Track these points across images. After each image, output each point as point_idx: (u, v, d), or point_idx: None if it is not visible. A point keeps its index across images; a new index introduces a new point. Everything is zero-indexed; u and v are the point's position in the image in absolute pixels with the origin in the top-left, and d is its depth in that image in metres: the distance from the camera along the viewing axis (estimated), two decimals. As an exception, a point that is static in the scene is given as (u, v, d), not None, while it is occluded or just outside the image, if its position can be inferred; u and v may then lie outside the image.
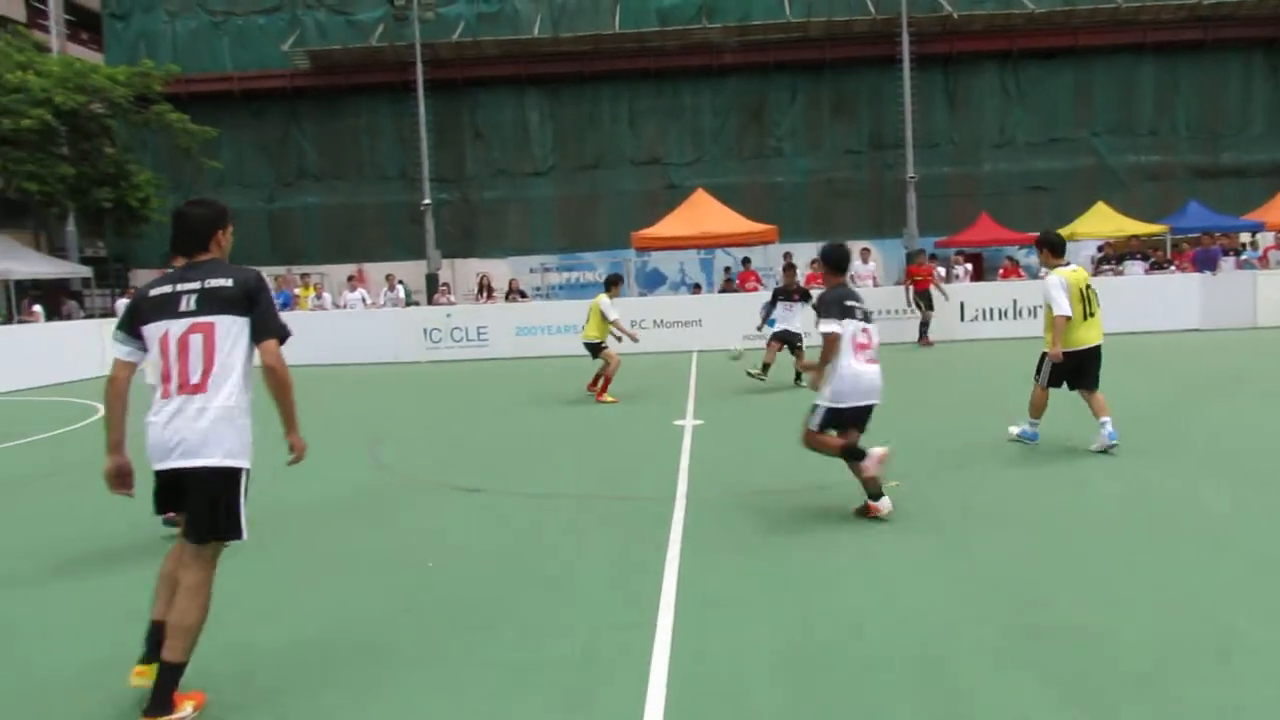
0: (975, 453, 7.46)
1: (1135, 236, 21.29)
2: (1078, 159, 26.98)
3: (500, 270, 25.72)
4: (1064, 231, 23.15)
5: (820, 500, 6.16)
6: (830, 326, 5.47)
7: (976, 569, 4.66)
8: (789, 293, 12.14)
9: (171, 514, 3.52)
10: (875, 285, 19.78)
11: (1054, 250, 7.42)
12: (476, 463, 7.94)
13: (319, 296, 20.16)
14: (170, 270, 3.55)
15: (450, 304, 20.47)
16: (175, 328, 3.36)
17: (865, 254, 20.00)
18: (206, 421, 3.30)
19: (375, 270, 26.96)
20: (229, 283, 3.41)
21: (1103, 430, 7.15)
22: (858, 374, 5.53)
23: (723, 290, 21.19)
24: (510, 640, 4.03)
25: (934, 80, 26.85)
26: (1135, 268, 18.77)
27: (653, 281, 26.94)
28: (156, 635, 3.39)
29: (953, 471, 6.87)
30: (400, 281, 21.58)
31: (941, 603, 4.23)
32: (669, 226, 20.72)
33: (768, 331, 12.18)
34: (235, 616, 4.30)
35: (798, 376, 11.83)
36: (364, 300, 19.78)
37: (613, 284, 11.86)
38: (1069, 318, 7.19)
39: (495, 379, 14.91)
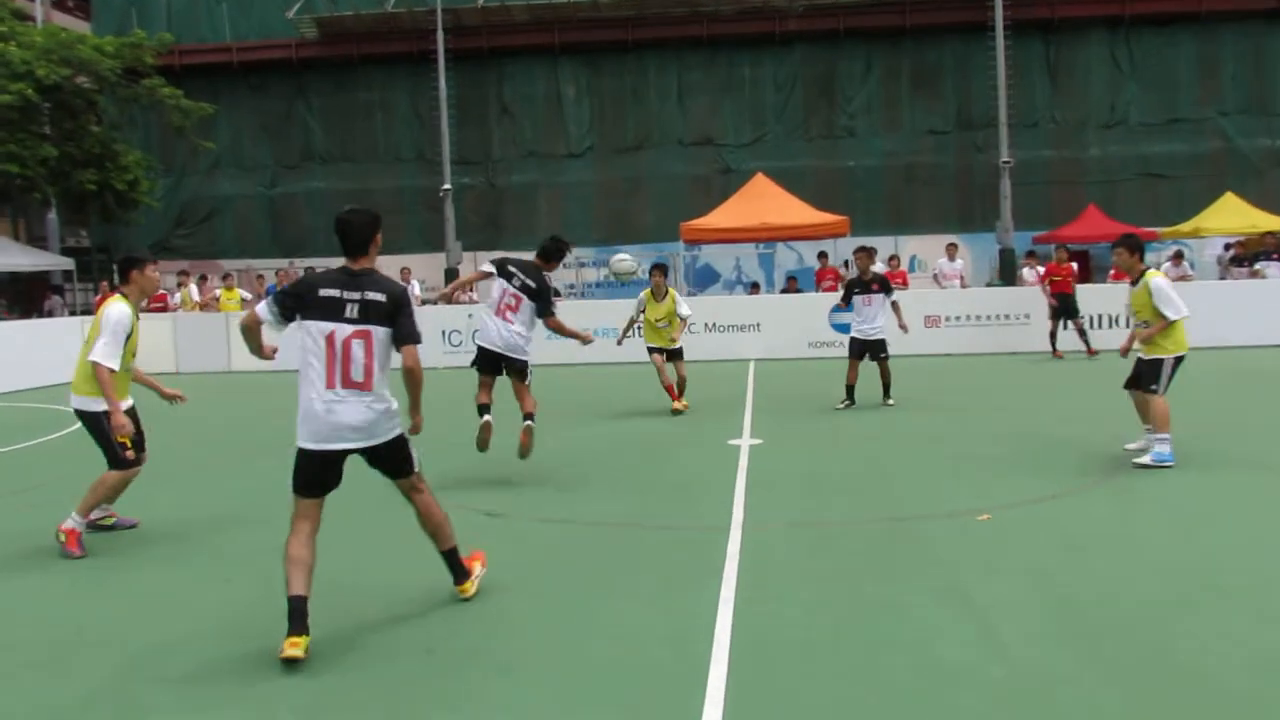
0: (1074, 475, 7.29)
1: (1270, 233, 20.78)
2: (1201, 142, 26.46)
3: (529, 265, 25.78)
4: (1187, 227, 22.96)
5: (897, 534, 6.06)
6: None
7: (1081, 610, 4.54)
8: (865, 284, 11.55)
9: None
10: (963, 285, 19.56)
11: (1140, 253, 7.93)
12: (500, 483, 7.93)
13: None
14: (331, 271, 4.73)
15: (472, 302, 20.60)
16: (341, 331, 4.53)
17: (952, 250, 19.80)
18: (372, 413, 4.58)
19: (388, 264, 27.19)
20: (383, 298, 4.60)
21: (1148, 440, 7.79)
22: None
23: (784, 291, 21.08)
24: (537, 689, 4.00)
25: (1032, 50, 26.51)
26: (1273, 269, 18.32)
27: (704, 279, 26.91)
28: (301, 608, 4.31)
29: (1046, 504, 6.73)
30: (420, 279, 21.78)
31: (1056, 650, 4.12)
32: (723, 217, 20.67)
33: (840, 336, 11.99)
34: (203, 630, 4.33)
35: (887, 393, 11.45)
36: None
37: (652, 271, 11.85)
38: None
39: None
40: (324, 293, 4.57)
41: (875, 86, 27.43)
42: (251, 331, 4.83)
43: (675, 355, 11.73)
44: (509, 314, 7.88)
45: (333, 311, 4.54)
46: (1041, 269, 17.86)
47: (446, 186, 25.37)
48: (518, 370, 7.97)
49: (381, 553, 6.04)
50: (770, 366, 15.98)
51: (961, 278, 19.71)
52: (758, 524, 6.33)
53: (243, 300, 20.24)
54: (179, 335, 19.07)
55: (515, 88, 28.47)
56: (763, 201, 20.59)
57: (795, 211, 20.55)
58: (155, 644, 4.57)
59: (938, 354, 16.70)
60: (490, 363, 8.01)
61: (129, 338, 6.30)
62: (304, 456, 4.55)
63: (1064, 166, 26.75)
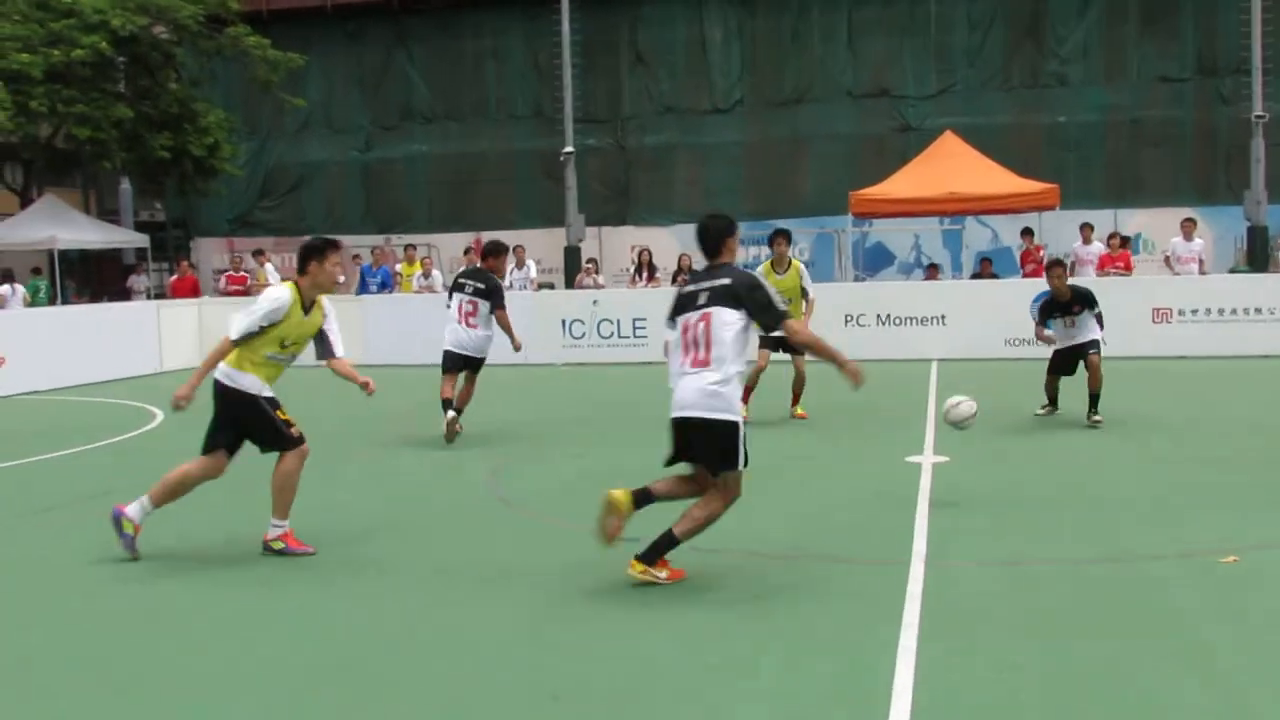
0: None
1: None
2: None
3: (666, 243, 26.04)
4: None
5: (1116, 577, 5.93)
6: None
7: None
8: (1065, 305, 11.00)
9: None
10: (1202, 271, 18.83)
11: None
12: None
13: (426, 275, 21.05)
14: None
15: (598, 287, 20.93)
16: (692, 318, 5.97)
17: (1188, 227, 19.06)
18: (710, 387, 5.86)
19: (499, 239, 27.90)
20: (729, 281, 5.98)
21: None
22: None
23: (976, 275, 20.69)
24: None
25: (1299, -26, 25.31)
26: None
27: (876, 261, 26.64)
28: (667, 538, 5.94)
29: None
30: (536, 260, 22.19)
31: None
32: (902, 184, 20.45)
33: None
34: None
35: (1094, 405, 10.92)
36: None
37: (775, 239, 12.07)
38: None
39: (658, 389, 15.05)
40: (685, 290, 6.18)
41: (1094, 24, 26.61)
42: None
43: (795, 349, 11.16)
44: (470, 319, 10.86)
45: (688, 305, 6.05)
46: None
47: (569, 149, 25.77)
48: (475, 367, 11.05)
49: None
50: (957, 368, 15.71)
51: (1200, 261, 18.96)
52: (943, 559, 6.29)
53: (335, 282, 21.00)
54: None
55: (651, 32, 28.74)
56: (951, 166, 20.27)
57: (991, 178, 20.15)
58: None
59: (1168, 356, 16.14)
60: (455, 363, 10.96)
61: (275, 327, 6.75)
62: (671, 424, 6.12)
63: (1338, 121, 25.41)
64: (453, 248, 26.87)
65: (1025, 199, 19.99)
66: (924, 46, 27.39)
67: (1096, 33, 26.65)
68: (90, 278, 31.10)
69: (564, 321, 18.72)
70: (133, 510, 6.79)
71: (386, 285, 21.03)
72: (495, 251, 11.35)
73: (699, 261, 6.53)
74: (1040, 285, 17.08)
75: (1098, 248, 19.02)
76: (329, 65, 30.06)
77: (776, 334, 6.86)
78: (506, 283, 20.87)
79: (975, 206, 20.85)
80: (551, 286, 23.68)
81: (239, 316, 6.79)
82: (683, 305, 6.06)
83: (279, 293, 6.82)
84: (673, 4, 28.46)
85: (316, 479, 9.49)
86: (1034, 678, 4.57)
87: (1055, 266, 11.21)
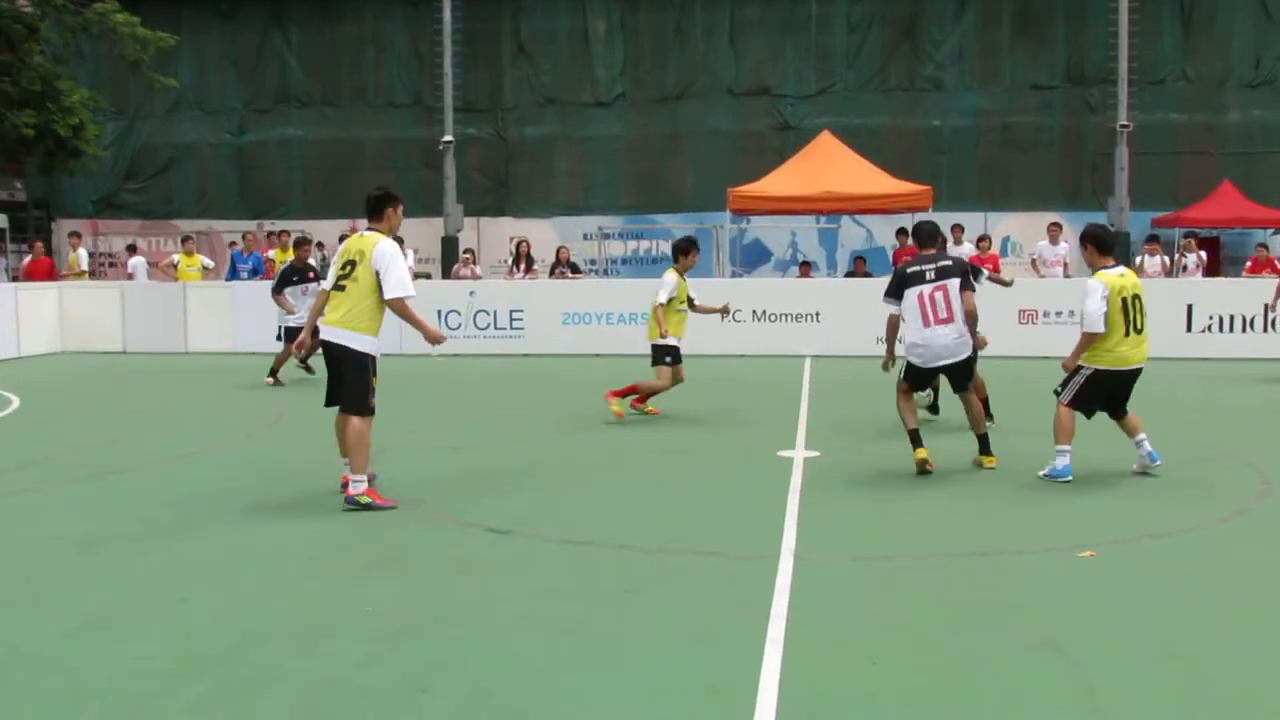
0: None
1: None
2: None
3: (544, 235, 25.96)
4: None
5: (980, 572, 6.08)
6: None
7: (1203, 674, 4.54)
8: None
9: None
10: (1067, 274, 19.44)
11: (1100, 247, 8.44)
12: (505, 495, 8.02)
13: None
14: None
15: (474, 278, 20.72)
16: (926, 289, 8.50)
17: (1054, 231, 19.67)
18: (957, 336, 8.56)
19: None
20: (950, 263, 8.70)
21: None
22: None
23: (850, 274, 21.06)
24: (549, 740, 4.04)
25: (1162, -12, 26.33)
26: None
27: (753, 258, 26.93)
28: (916, 435, 8.71)
29: (1168, 540, 6.71)
30: (414, 249, 21.88)
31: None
32: (779, 182, 20.67)
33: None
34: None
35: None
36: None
37: (682, 252, 11.42)
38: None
39: (533, 381, 15.04)
40: (911, 269, 8.68)
41: (969, 30, 27.31)
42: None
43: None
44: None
45: (919, 279, 8.59)
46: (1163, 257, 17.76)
47: (448, 138, 25.49)
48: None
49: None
50: (830, 365, 15.98)
51: (1065, 265, 19.58)
52: (812, 554, 6.35)
53: (204, 268, 20.45)
54: (128, 309, 19.31)
55: (534, 22, 28.57)
56: (828, 165, 20.56)
57: (867, 179, 20.50)
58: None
59: (1034, 356, 16.61)
60: None
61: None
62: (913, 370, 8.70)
63: (1196, 134, 26.50)
64: (328, 234, 26.30)
65: (899, 200, 20.39)
66: (805, 46, 27.75)
67: (971, 38, 27.33)
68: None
69: (440, 312, 18.48)
70: (357, 487, 7.50)
71: (258, 272, 20.50)
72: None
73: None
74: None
75: (968, 249, 19.48)
76: (201, 45, 29.18)
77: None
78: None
79: (851, 206, 21.19)
80: (429, 276, 23.38)
81: (398, 283, 7.45)
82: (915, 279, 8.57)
83: (388, 241, 7.56)
84: (557, -6, 28.35)
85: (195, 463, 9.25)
86: (899, 670, 4.65)
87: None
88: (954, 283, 8.46)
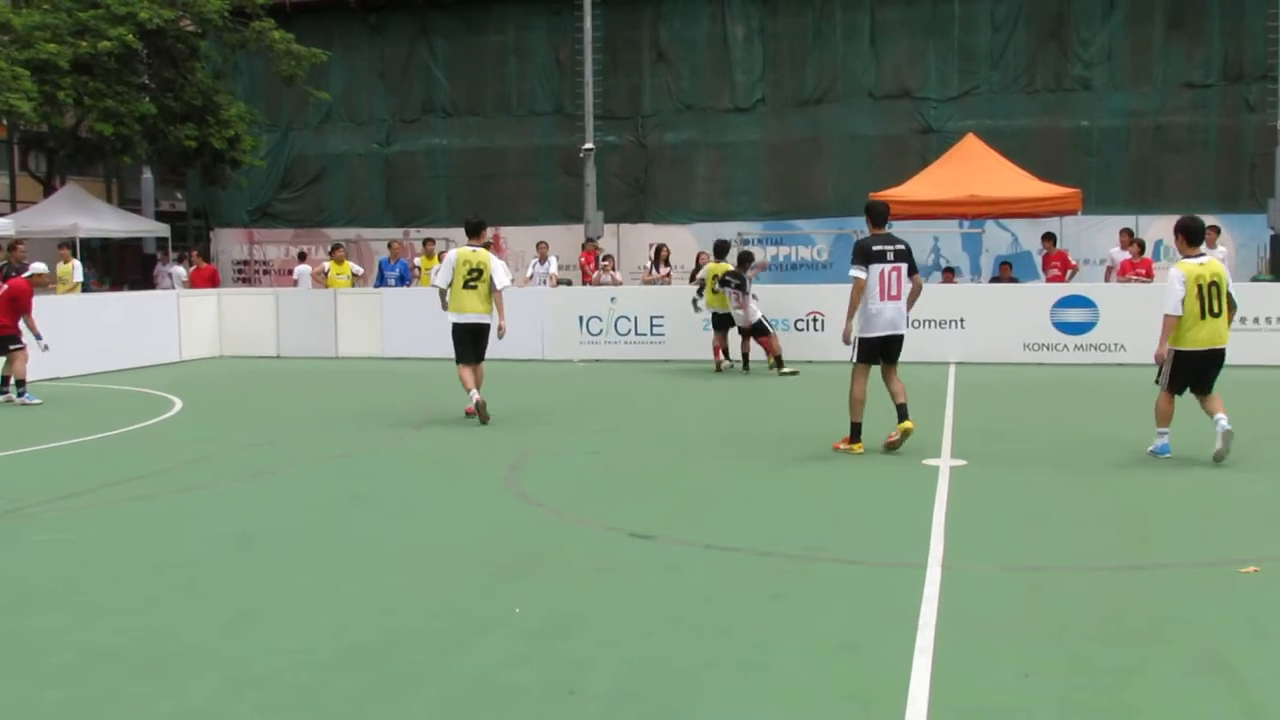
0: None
1: None
2: None
3: (683, 240, 26.02)
4: None
5: (1136, 586, 5.93)
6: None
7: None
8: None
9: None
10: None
11: (1190, 238, 9.43)
12: (647, 499, 8.09)
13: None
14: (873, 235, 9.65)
15: (615, 283, 20.92)
16: (885, 268, 9.55)
17: (1212, 234, 18.90)
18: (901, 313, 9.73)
19: (517, 236, 27.99)
20: (903, 247, 9.75)
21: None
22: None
23: (995, 279, 20.63)
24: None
25: (1329, -20, 25.13)
26: None
27: (895, 263, 26.51)
28: (858, 430, 9.77)
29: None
30: (554, 255, 22.18)
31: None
32: (922, 186, 20.35)
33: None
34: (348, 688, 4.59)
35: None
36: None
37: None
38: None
39: (673, 387, 15.10)
40: (876, 248, 9.63)
41: (1119, 27, 26.45)
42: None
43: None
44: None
45: (882, 256, 9.59)
46: None
47: (588, 145, 25.77)
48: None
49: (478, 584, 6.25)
50: (975, 372, 15.68)
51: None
52: (960, 563, 6.28)
53: (354, 275, 21.09)
54: (282, 315, 20.03)
55: (673, 29, 28.67)
56: (972, 169, 20.14)
57: (1013, 182, 20.03)
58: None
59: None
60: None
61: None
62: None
63: (1366, 130, 25.21)
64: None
65: (1047, 203, 19.86)
66: (947, 47, 27.24)
67: (1121, 36, 26.47)
68: (111, 266, 31.24)
69: (581, 318, 18.72)
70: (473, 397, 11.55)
71: (404, 279, 21.06)
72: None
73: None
74: (1063, 290, 17.16)
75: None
76: (351, 58, 30.07)
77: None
78: (530, 275, 21.16)
79: (996, 210, 20.72)
80: (569, 283, 23.68)
81: (511, 279, 12.07)
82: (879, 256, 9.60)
83: (496, 256, 11.87)
84: (695, 1, 28.39)
85: (339, 471, 9.58)
86: (1051, 684, 4.57)
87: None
88: (904, 267, 9.62)
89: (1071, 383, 14.52)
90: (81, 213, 25.67)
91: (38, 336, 13.77)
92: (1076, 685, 4.57)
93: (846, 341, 9.89)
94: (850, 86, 27.60)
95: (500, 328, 11.86)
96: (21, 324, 13.71)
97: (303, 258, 23.32)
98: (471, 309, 11.65)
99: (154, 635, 5.32)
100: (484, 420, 11.56)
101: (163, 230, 28.62)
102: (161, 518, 7.84)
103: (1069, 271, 19.41)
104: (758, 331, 16.08)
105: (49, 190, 28.54)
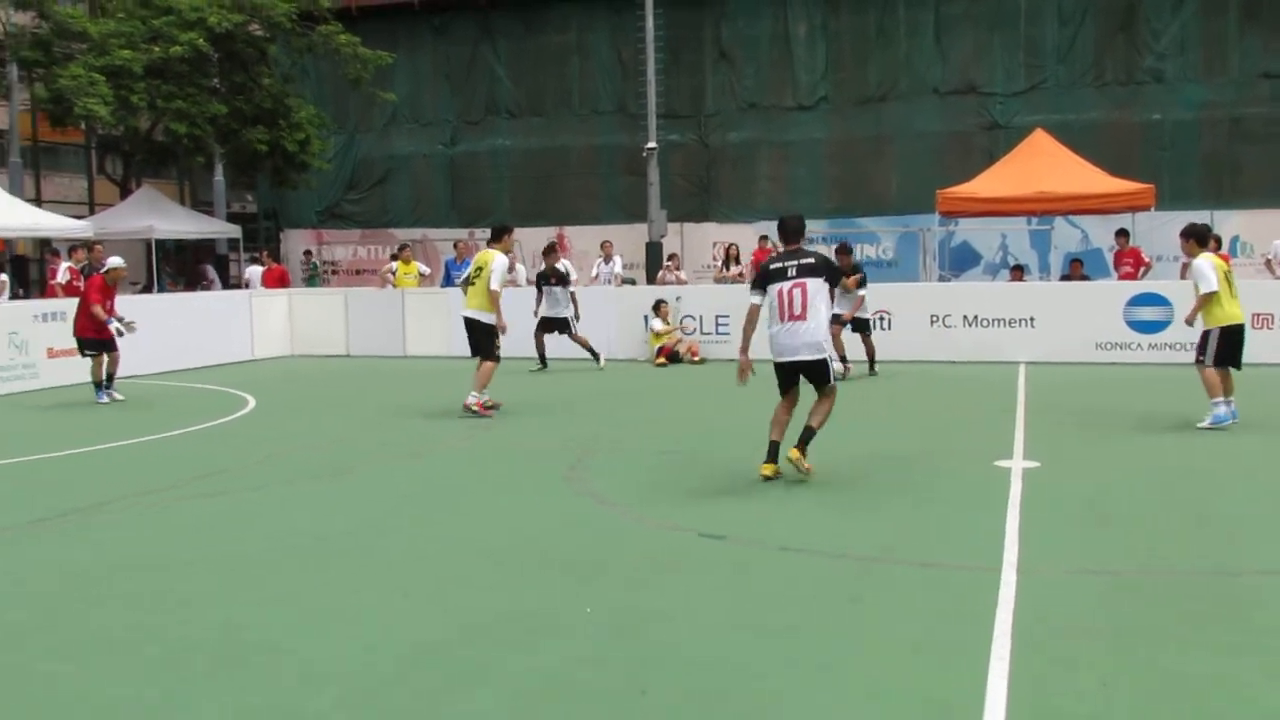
0: None
1: None
2: None
3: (748, 239, 25.86)
4: None
5: (1217, 592, 5.81)
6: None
7: None
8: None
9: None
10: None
11: (1200, 241, 10.80)
12: (717, 500, 8.06)
13: (510, 269, 21.14)
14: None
15: (679, 282, 20.90)
16: (785, 285, 8.39)
17: (1214, 243, 18.44)
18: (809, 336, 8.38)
19: (580, 235, 28.07)
20: (812, 260, 8.56)
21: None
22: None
23: (1065, 277, 20.33)
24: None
25: None
26: None
27: (962, 261, 26.27)
28: (774, 452, 8.46)
29: None
30: (619, 255, 22.19)
31: None
32: (990, 183, 20.12)
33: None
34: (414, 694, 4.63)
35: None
36: (568, 275, 20.50)
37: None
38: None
39: (739, 387, 15.03)
40: (774, 266, 8.63)
41: (1191, 17, 25.92)
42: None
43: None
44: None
45: (780, 275, 8.49)
46: None
47: (651, 145, 25.75)
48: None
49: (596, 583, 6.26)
50: (1046, 372, 15.45)
51: (1299, 267, 18.41)
52: (1036, 566, 6.18)
53: (420, 275, 21.26)
54: (351, 315, 20.26)
55: (735, 28, 28.61)
56: (1041, 164, 19.87)
57: (1083, 178, 19.73)
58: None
59: (1269, 363, 15.70)
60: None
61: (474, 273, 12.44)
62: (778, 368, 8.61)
63: None
64: (536, 241, 27.00)
65: (1118, 199, 19.54)
66: (1013, 42, 26.91)
67: (1194, 26, 25.95)
68: (185, 267, 31.82)
69: (646, 318, 18.72)
70: (471, 400, 12.04)
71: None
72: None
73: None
74: (1136, 288, 16.85)
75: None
76: (416, 60, 30.37)
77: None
78: (595, 274, 21.19)
79: (1066, 206, 20.43)
80: (633, 282, 23.70)
81: (496, 281, 12.14)
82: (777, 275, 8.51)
83: (501, 257, 12.38)
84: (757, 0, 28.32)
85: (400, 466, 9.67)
86: (1131, 693, 4.49)
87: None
88: (814, 282, 8.42)
89: (1146, 382, 14.26)
90: (156, 215, 26.20)
91: (108, 321, 13.69)
92: (1157, 694, 4.49)
93: (742, 375, 8.73)
94: (914, 83, 27.38)
95: (500, 326, 12.29)
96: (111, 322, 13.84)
97: (395, 257, 23.42)
98: (467, 305, 12.46)
99: (231, 631, 5.40)
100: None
101: (234, 231, 29.10)
102: (236, 514, 7.95)
103: (1142, 269, 19.08)
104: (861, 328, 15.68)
105: (125, 193, 29.13)
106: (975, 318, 17.10)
